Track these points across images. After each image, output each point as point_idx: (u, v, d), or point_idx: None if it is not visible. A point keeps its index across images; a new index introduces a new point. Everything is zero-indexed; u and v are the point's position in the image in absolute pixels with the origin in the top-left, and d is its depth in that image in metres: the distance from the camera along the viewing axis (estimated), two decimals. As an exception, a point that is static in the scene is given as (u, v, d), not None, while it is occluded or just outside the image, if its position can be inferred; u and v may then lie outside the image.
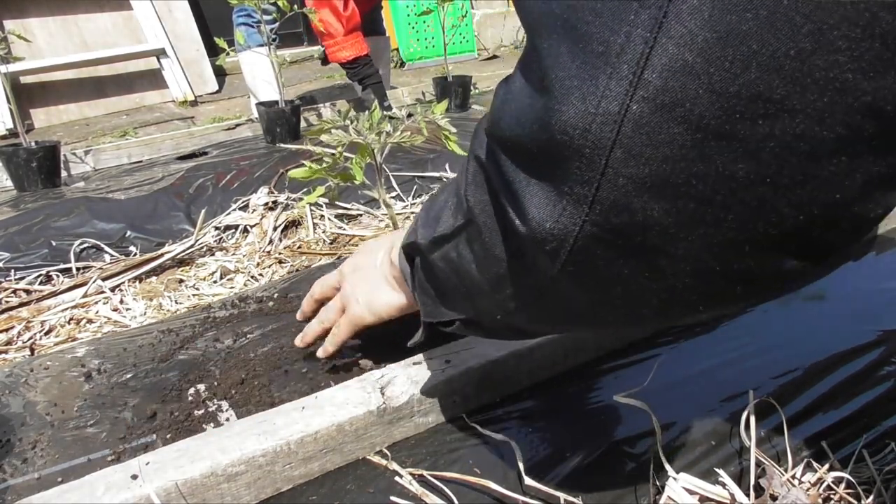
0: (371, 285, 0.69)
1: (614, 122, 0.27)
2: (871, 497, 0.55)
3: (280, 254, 1.26)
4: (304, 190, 1.49)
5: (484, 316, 0.46)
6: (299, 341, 0.78)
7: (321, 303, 0.79)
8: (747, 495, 0.56)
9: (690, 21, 0.25)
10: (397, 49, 4.45)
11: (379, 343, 0.77)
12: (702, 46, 0.25)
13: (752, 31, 0.24)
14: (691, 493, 0.56)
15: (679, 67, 0.26)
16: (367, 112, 0.91)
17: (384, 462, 0.62)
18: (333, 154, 0.91)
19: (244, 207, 1.47)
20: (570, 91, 0.28)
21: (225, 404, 0.71)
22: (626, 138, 0.27)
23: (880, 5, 0.23)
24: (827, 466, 0.59)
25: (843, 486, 0.56)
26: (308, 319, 0.81)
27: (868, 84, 0.24)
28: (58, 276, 1.23)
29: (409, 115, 0.99)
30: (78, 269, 1.25)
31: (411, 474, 0.60)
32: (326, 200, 0.95)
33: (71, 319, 1.06)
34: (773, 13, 0.24)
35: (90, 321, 1.05)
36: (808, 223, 0.28)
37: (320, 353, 0.75)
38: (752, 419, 0.61)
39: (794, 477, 0.58)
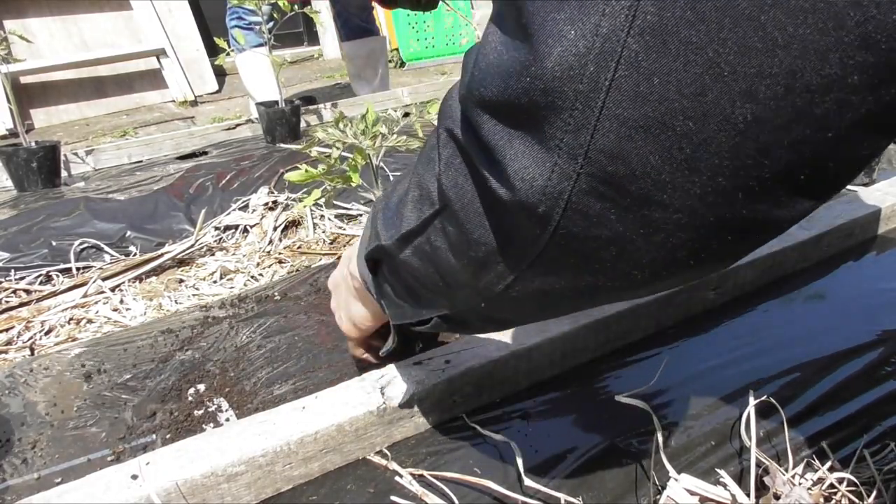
0: (346, 301, 0.67)
1: (611, 61, 0.26)
2: (872, 497, 0.55)
3: (280, 254, 1.26)
4: (304, 190, 1.49)
5: (463, 309, 0.43)
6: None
7: None
8: (748, 495, 0.56)
9: None
10: (397, 49, 4.45)
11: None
12: None
13: None
14: (692, 493, 0.56)
15: None
16: (361, 115, 0.91)
17: (384, 462, 0.62)
18: (329, 156, 0.91)
19: (244, 207, 1.47)
20: (560, 32, 0.27)
21: (225, 404, 0.71)
22: (623, 77, 0.26)
23: None
24: (828, 466, 0.59)
25: (844, 485, 0.56)
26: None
27: (860, 14, 0.23)
28: (58, 276, 1.23)
29: (406, 115, 0.98)
30: (78, 269, 1.25)
31: (411, 474, 0.60)
32: (324, 200, 0.95)
33: (71, 319, 1.05)
34: None
35: (90, 321, 1.05)
36: (799, 166, 0.27)
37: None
38: (753, 419, 0.61)
39: (794, 476, 0.58)
